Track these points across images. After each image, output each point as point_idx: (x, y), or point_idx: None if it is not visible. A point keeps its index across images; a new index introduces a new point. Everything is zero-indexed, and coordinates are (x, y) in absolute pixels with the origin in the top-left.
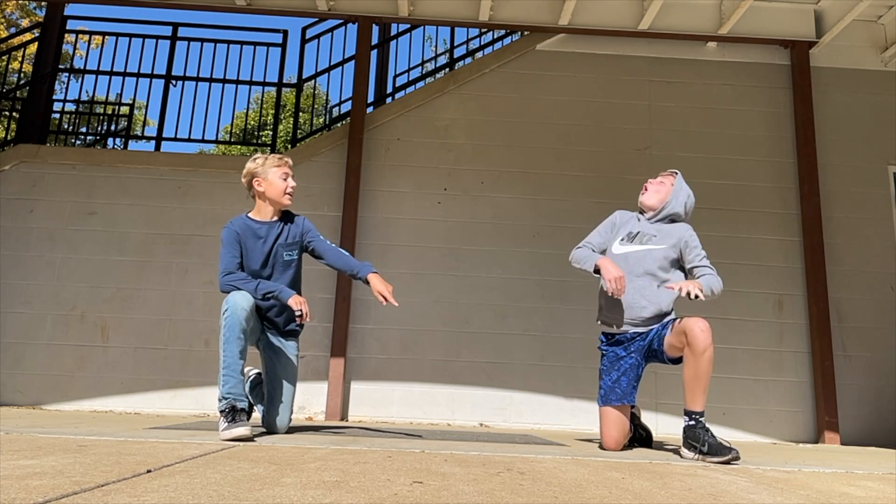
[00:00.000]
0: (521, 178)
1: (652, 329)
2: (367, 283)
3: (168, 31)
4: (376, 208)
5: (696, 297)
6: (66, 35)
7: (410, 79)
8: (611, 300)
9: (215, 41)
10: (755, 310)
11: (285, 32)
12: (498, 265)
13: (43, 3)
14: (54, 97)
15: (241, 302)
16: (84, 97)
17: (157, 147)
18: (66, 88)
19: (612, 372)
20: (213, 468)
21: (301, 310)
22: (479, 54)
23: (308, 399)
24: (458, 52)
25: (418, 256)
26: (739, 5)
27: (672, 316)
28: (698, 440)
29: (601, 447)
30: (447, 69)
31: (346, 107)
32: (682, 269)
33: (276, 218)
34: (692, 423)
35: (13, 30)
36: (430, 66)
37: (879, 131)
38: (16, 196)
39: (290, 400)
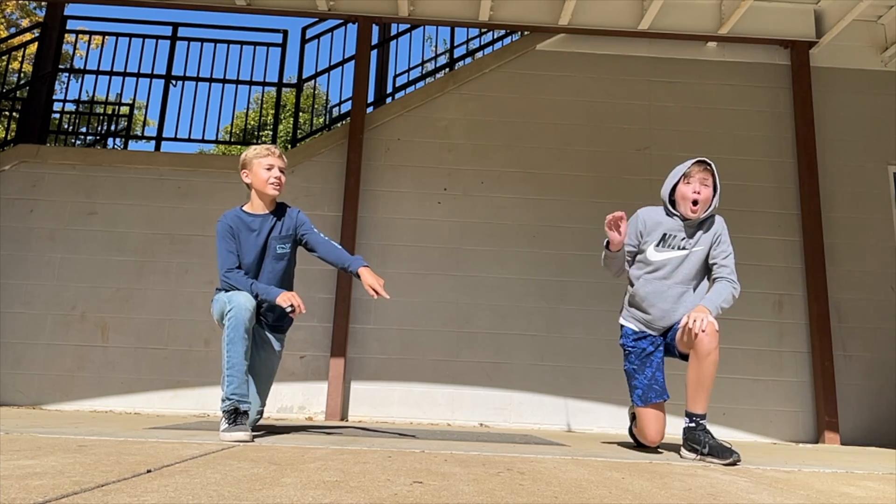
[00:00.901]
0: (521, 178)
1: None
2: (358, 276)
3: (168, 31)
4: (376, 208)
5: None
6: (66, 35)
7: (410, 79)
8: (646, 303)
9: (215, 41)
10: (755, 310)
11: (285, 32)
12: (498, 265)
13: (43, 3)
14: (54, 97)
15: (244, 303)
16: (84, 97)
17: (157, 147)
18: (66, 88)
19: (646, 369)
20: (213, 468)
21: (292, 304)
22: (479, 54)
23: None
24: (458, 52)
25: (418, 256)
26: (739, 5)
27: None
28: (699, 442)
29: (638, 444)
30: (447, 69)
31: (346, 107)
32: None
33: (269, 210)
34: (692, 425)
35: (13, 30)
36: (430, 66)
37: (879, 131)
38: (16, 196)
39: (264, 393)
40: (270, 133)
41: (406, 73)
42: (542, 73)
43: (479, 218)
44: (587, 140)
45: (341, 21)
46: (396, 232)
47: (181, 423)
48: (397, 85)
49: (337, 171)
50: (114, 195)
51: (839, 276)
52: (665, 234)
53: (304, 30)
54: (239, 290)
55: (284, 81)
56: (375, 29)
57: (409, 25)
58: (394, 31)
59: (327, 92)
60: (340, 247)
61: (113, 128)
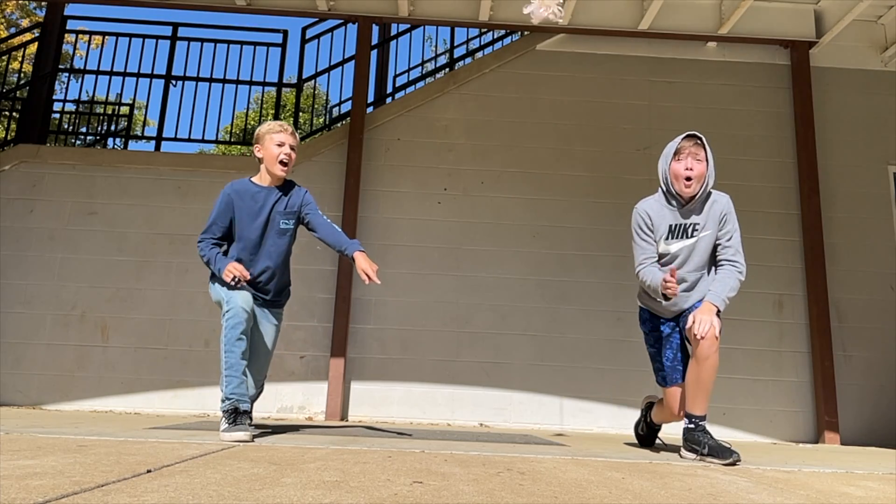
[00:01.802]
0: (521, 178)
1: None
2: (353, 260)
3: (168, 31)
4: (376, 208)
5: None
6: (66, 35)
7: (410, 79)
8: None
9: (215, 41)
10: (755, 310)
11: (285, 32)
12: (498, 265)
13: (43, 3)
14: (54, 97)
15: (241, 303)
16: (84, 97)
17: (157, 147)
18: (66, 88)
19: (667, 350)
20: (213, 468)
21: (235, 276)
22: (479, 54)
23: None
24: (458, 52)
25: (418, 256)
26: (739, 5)
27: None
28: (698, 443)
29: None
30: (447, 69)
31: (346, 107)
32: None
33: (276, 185)
34: (691, 426)
35: (13, 30)
36: (430, 66)
37: (879, 131)
38: (16, 196)
39: (263, 368)
40: None
41: (406, 73)
42: (542, 73)
43: (479, 218)
44: (587, 140)
45: (341, 21)
46: (396, 232)
47: (181, 423)
48: (397, 85)
49: (337, 171)
50: (114, 195)
51: (839, 276)
52: (671, 226)
53: (304, 30)
54: (208, 257)
55: (284, 81)
56: (375, 29)
57: (409, 25)
58: (394, 31)
59: (327, 92)
60: (340, 230)
61: (113, 128)
